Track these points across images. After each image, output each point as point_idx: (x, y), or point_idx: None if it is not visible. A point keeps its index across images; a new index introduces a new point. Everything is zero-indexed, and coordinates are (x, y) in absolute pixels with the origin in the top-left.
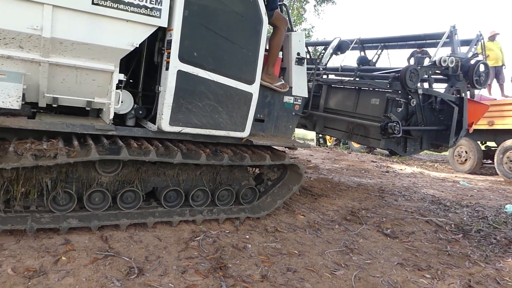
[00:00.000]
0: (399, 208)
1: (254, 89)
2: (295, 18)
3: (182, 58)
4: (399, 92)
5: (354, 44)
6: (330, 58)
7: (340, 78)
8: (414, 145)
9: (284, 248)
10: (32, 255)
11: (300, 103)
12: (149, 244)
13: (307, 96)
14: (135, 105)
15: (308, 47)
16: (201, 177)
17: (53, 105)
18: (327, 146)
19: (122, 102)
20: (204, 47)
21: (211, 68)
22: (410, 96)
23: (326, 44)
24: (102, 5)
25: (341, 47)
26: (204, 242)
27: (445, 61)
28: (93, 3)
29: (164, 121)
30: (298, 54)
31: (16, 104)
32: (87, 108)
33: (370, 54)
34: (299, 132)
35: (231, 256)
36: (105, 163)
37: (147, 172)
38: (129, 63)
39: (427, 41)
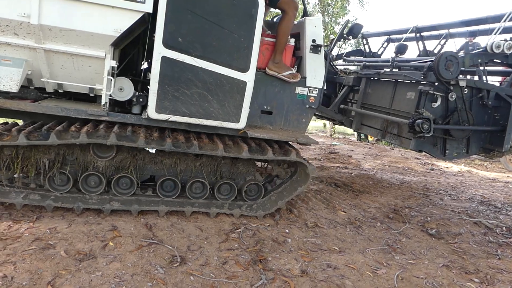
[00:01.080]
0: (445, 208)
1: (248, 77)
2: (338, 10)
3: (167, 44)
4: (435, 84)
5: (410, 33)
6: (340, 43)
7: (377, 70)
8: (457, 148)
9: (324, 244)
10: (82, 239)
11: (315, 95)
12: (191, 234)
13: (324, 88)
14: (136, 93)
15: (368, 38)
16: (200, 168)
17: (59, 91)
18: (368, 142)
19: (121, 89)
20: (190, 32)
21: (198, 54)
22: (449, 89)
23: (385, 35)
24: None
25: (352, 31)
26: (244, 235)
27: (498, 46)
28: None
29: (151, 108)
30: (314, 41)
31: (15, 88)
32: (91, 95)
33: (431, 45)
34: (340, 127)
35: (271, 250)
36: (101, 148)
37: (143, 159)
38: (129, 50)
39: (490, 25)
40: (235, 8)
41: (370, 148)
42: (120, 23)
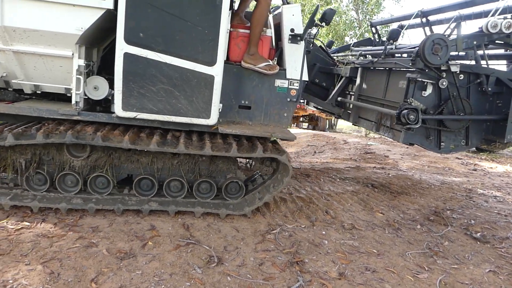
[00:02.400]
0: (490, 210)
1: (216, 71)
2: (372, 7)
3: (128, 40)
4: (425, 71)
5: (414, 18)
6: (312, 29)
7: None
8: (455, 140)
9: (362, 246)
10: (123, 238)
11: (297, 88)
12: (227, 234)
13: (306, 80)
14: (112, 91)
15: (377, 26)
16: (178, 166)
17: (37, 92)
18: None
19: (96, 88)
20: (152, 26)
21: (161, 49)
22: (440, 76)
23: (398, 20)
24: None
25: (324, 17)
26: (280, 236)
27: (495, 25)
28: None
29: (117, 106)
30: (292, 30)
31: None
32: (68, 95)
33: (441, 30)
34: None
35: (308, 251)
36: (75, 147)
37: (119, 158)
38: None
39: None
40: None
41: (407, 148)
42: (82, 21)
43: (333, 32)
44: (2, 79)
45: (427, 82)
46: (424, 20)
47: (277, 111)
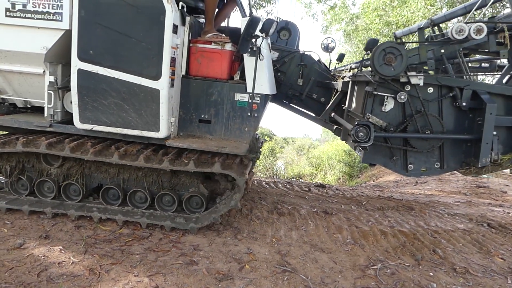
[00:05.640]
0: None
1: (161, 85)
2: None
3: (81, 56)
4: (383, 83)
5: (424, 27)
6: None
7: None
8: (426, 161)
9: None
10: (221, 259)
11: (258, 102)
12: (325, 265)
13: (269, 93)
14: None
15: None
16: (143, 178)
17: (28, 106)
18: None
19: (72, 102)
20: (101, 44)
21: (109, 65)
22: (399, 89)
23: (416, 30)
24: (13, 16)
25: (263, 28)
26: (382, 272)
27: (461, 30)
28: (6, 16)
29: (75, 119)
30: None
31: None
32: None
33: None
34: None
35: None
36: (50, 157)
37: (90, 168)
38: None
39: None
40: (140, 17)
41: None
42: (45, 41)
43: None
44: None
45: (387, 96)
46: (436, 29)
47: (238, 125)
